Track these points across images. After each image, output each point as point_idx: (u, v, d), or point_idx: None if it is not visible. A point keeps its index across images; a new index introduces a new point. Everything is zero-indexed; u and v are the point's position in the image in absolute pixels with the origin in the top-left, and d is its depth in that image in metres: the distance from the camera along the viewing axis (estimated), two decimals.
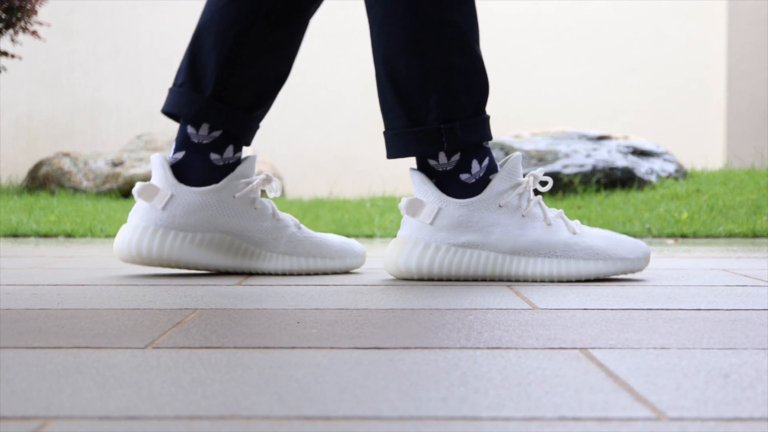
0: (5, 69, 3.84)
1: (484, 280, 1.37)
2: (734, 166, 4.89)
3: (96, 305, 1.09)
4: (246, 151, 4.43)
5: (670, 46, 5.78)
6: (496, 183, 1.38)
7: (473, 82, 1.39)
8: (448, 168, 1.39)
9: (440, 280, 1.37)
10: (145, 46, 5.63)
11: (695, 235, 2.88)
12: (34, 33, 3.72)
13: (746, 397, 0.63)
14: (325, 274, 1.50)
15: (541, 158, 4.05)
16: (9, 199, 3.89)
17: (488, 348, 0.81)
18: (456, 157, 1.39)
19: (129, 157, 4.42)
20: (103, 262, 1.74)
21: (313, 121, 5.56)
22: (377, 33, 1.40)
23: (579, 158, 4.05)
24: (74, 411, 0.59)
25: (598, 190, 3.89)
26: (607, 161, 4.04)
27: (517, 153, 1.41)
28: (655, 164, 4.12)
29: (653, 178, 4.01)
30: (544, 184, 1.75)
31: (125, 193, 4.25)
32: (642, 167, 4.06)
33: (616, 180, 3.98)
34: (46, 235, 2.83)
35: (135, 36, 5.62)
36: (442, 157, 1.39)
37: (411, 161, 1.46)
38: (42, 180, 4.42)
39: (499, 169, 1.39)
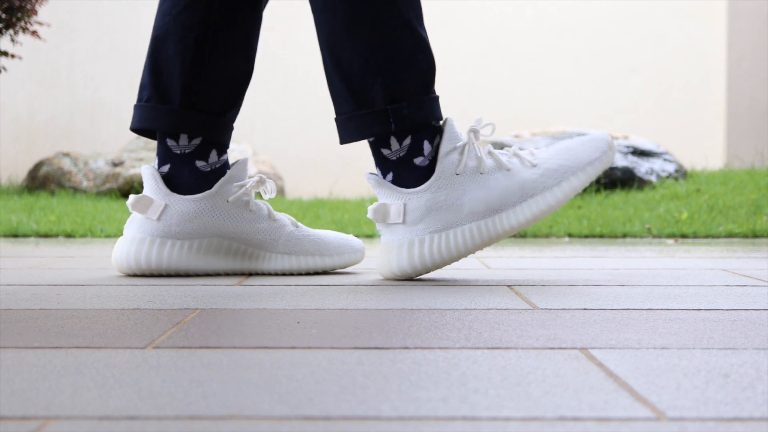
0: (5, 69, 3.84)
1: (482, 249, 1.37)
2: (734, 166, 4.89)
3: (96, 305, 1.09)
4: (238, 153, 4.43)
5: (670, 46, 5.78)
6: (443, 155, 1.37)
7: (416, 61, 1.38)
8: (401, 154, 1.38)
9: (437, 268, 1.37)
10: (145, 46, 5.63)
11: (695, 235, 2.88)
12: (34, 33, 3.72)
13: (746, 397, 0.63)
14: (325, 272, 1.50)
15: None
16: (9, 199, 3.89)
17: (488, 348, 0.81)
18: (407, 141, 1.38)
19: (129, 157, 4.42)
20: (103, 262, 1.74)
21: (313, 121, 5.56)
22: (319, 19, 1.40)
23: None
24: (74, 411, 0.59)
25: (598, 190, 3.89)
26: None
27: (448, 117, 1.40)
28: (655, 164, 4.12)
29: (653, 178, 4.01)
30: (484, 131, 1.72)
31: (125, 193, 4.25)
32: (642, 167, 4.06)
33: (616, 180, 3.98)
34: (46, 235, 2.83)
35: (135, 36, 5.62)
36: (394, 143, 1.38)
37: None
38: (42, 180, 4.42)
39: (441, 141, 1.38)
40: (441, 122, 1.40)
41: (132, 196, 1.45)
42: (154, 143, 4.53)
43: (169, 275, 1.45)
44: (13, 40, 3.72)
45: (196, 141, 1.47)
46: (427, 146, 1.38)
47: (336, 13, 1.38)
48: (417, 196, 1.36)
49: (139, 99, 1.49)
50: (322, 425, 0.56)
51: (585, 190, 3.89)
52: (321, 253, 1.49)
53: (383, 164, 1.40)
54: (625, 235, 2.89)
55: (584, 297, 1.17)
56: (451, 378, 0.69)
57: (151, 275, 1.45)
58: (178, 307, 1.07)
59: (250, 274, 1.47)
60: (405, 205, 1.37)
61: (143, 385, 0.66)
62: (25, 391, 0.64)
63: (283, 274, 1.48)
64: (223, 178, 1.46)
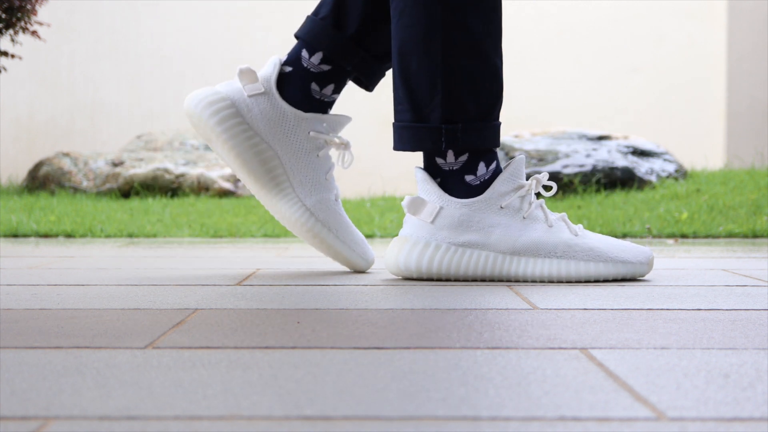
0: (5, 69, 3.84)
1: (483, 280, 1.37)
2: (734, 166, 4.89)
3: (96, 305, 1.09)
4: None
5: (670, 46, 5.78)
6: (499, 184, 1.38)
7: (482, 88, 1.39)
8: (454, 168, 1.39)
9: (440, 279, 1.37)
10: (145, 46, 5.63)
11: (695, 235, 2.88)
12: (34, 33, 3.72)
13: (746, 397, 0.63)
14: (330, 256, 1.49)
15: (541, 158, 4.05)
16: (9, 199, 3.89)
17: (488, 348, 0.81)
18: (463, 158, 1.39)
19: (129, 157, 4.42)
20: (103, 262, 1.74)
21: None
22: (396, 25, 1.40)
23: (579, 158, 4.05)
24: (74, 411, 0.59)
25: (598, 190, 3.89)
26: (607, 161, 4.04)
27: (521, 155, 1.41)
28: (655, 164, 4.12)
29: (653, 178, 4.01)
30: (548, 189, 1.74)
31: (125, 193, 4.25)
32: (642, 167, 4.06)
33: (616, 180, 3.98)
34: (46, 235, 2.83)
35: (135, 36, 5.62)
36: (450, 156, 1.39)
37: (411, 162, 1.46)
38: (42, 180, 4.42)
39: (502, 170, 1.40)
40: (497, 148, 1.41)
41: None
42: (153, 143, 4.53)
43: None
44: (13, 40, 3.72)
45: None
46: (482, 168, 1.39)
47: (412, 24, 1.38)
48: (455, 206, 1.37)
49: (315, 13, 1.48)
50: (322, 425, 0.56)
51: (585, 190, 3.89)
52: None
53: (433, 169, 1.40)
54: (625, 235, 2.89)
55: (584, 297, 1.17)
56: (451, 378, 0.69)
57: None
58: (178, 307, 1.07)
59: (252, 274, 1.48)
60: (441, 208, 1.37)
61: (143, 385, 0.66)
62: (25, 391, 0.64)
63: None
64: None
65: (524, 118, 5.48)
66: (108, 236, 2.80)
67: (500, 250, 1.37)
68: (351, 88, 1.59)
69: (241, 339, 0.86)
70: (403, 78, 1.40)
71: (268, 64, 1.47)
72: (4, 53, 3.76)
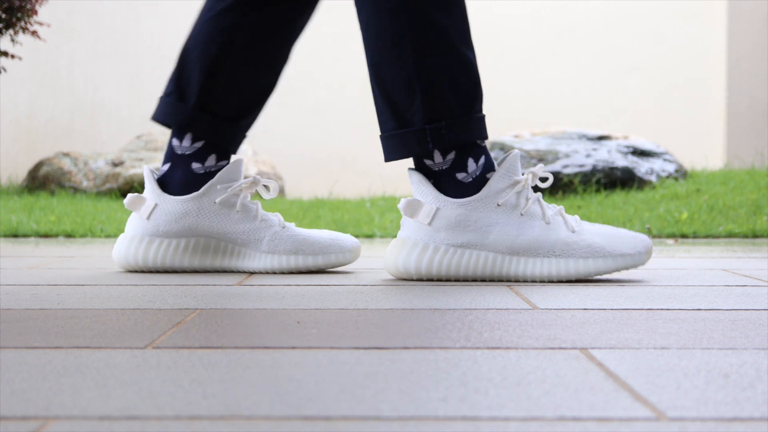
0: (5, 69, 3.84)
1: (483, 280, 1.37)
2: (734, 166, 4.89)
3: (96, 305, 1.09)
4: (239, 153, 4.43)
5: (670, 46, 5.78)
6: (494, 182, 1.38)
7: (459, 82, 1.39)
8: (443, 167, 1.39)
9: (439, 280, 1.38)
10: (145, 46, 5.63)
11: (695, 235, 2.88)
12: (34, 33, 3.72)
13: (746, 397, 0.63)
14: (309, 271, 1.50)
15: (541, 158, 4.05)
16: (9, 199, 3.89)
17: (488, 348, 0.81)
18: (451, 156, 1.39)
19: (129, 157, 4.42)
20: (103, 262, 1.74)
21: (313, 121, 5.56)
22: (364, 39, 1.42)
23: (579, 158, 4.05)
24: (74, 411, 0.59)
25: (598, 190, 3.89)
26: (607, 161, 4.04)
27: (516, 151, 1.41)
28: (655, 164, 4.12)
29: (653, 178, 4.01)
30: (544, 180, 1.74)
31: (125, 193, 4.25)
32: (642, 167, 4.06)
33: (616, 180, 3.98)
34: (46, 235, 2.83)
35: (135, 36, 5.62)
36: (437, 156, 1.39)
37: (410, 162, 1.46)
38: (42, 180, 4.42)
39: (497, 167, 1.39)
40: (484, 141, 1.42)
41: (129, 195, 1.53)
42: (153, 144, 4.53)
43: (163, 270, 1.51)
44: (13, 40, 3.72)
45: (198, 144, 1.53)
46: (471, 164, 1.39)
47: (380, 31, 1.39)
48: (452, 206, 1.37)
49: (165, 91, 1.56)
50: (322, 425, 0.56)
51: (585, 190, 3.89)
52: (304, 252, 1.50)
53: (425, 171, 1.41)
54: None
55: (584, 297, 1.17)
56: (451, 378, 0.69)
57: (147, 271, 1.51)
58: (178, 307, 1.07)
59: (251, 274, 1.48)
60: (438, 209, 1.38)
61: (143, 385, 0.66)
62: (25, 391, 0.64)
63: (266, 273, 1.50)
64: (211, 180, 1.51)
65: (524, 118, 5.48)
66: (108, 236, 2.80)
67: (499, 250, 1.37)
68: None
69: (241, 339, 0.86)
70: (379, 88, 1.41)
71: (145, 179, 1.54)
72: (4, 53, 3.76)
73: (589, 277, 1.37)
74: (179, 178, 1.53)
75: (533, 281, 1.36)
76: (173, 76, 1.55)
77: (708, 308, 1.06)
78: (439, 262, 1.37)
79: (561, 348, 0.81)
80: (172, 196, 1.51)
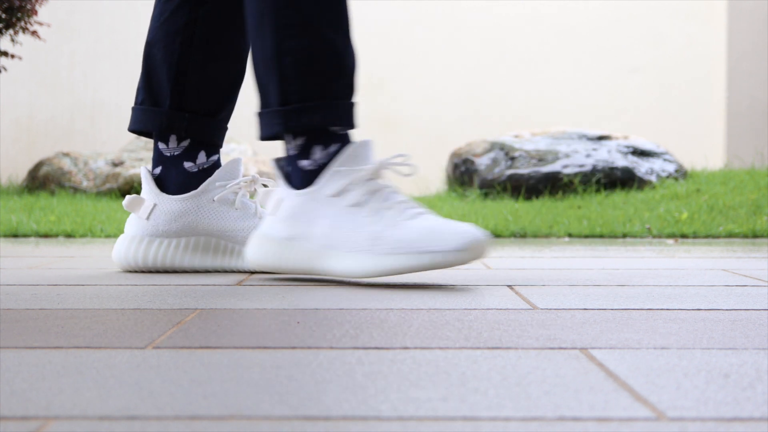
0: (5, 69, 3.84)
1: (305, 274, 1.35)
2: (734, 166, 4.89)
3: (96, 305, 1.09)
4: (238, 154, 4.43)
5: (670, 46, 5.79)
6: (330, 171, 1.32)
7: (317, 65, 1.34)
8: (291, 153, 1.37)
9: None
10: None
11: (695, 235, 2.88)
12: (34, 33, 3.72)
13: (746, 397, 0.63)
14: None
15: (541, 158, 4.05)
16: (9, 199, 3.89)
17: (488, 348, 0.81)
18: (300, 142, 1.36)
19: (129, 157, 4.42)
20: (103, 262, 1.74)
21: None
22: (247, 19, 1.41)
23: (579, 158, 4.05)
24: (74, 411, 0.59)
25: (598, 190, 3.89)
26: (607, 161, 4.04)
27: (369, 139, 1.36)
28: (655, 164, 4.12)
29: (653, 178, 4.01)
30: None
31: (125, 193, 4.25)
32: (642, 167, 4.06)
33: (616, 180, 3.98)
34: (46, 235, 2.83)
35: (135, 36, 5.62)
36: (289, 139, 1.36)
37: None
38: (42, 180, 4.42)
39: (336, 159, 1.33)
40: (340, 129, 1.36)
41: (127, 197, 1.54)
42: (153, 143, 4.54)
43: (164, 270, 1.52)
44: (13, 40, 3.72)
45: (185, 143, 1.55)
46: (316, 151, 1.35)
47: (248, 12, 1.39)
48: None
49: (135, 101, 1.58)
50: (322, 425, 0.56)
51: (585, 190, 3.89)
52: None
53: (282, 159, 1.40)
54: (625, 235, 2.89)
55: (584, 297, 1.17)
56: (451, 378, 0.69)
57: (147, 271, 1.52)
58: (178, 307, 1.07)
59: (252, 273, 1.48)
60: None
61: (143, 385, 0.66)
62: (25, 391, 0.65)
63: (266, 273, 1.49)
64: (209, 178, 1.52)
65: (524, 118, 5.48)
66: (108, 236, 2.80)
67: (320, 243, 1.32)
68: None
69: (241, 339, 0.86)
70: (252, 67, 1.41)
71: (143, 179, 1.56)
72: (4, 53, 3.76)
73: (393, 275, 1.28)
74: (174, 179, 1.53)
75: (341, 278, 1.32)
76: (141, 85, 1.57)
77: (708, 308, 1.06)
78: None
79: (561, 348, 0.81)
80: (170, 196, 1.52)
